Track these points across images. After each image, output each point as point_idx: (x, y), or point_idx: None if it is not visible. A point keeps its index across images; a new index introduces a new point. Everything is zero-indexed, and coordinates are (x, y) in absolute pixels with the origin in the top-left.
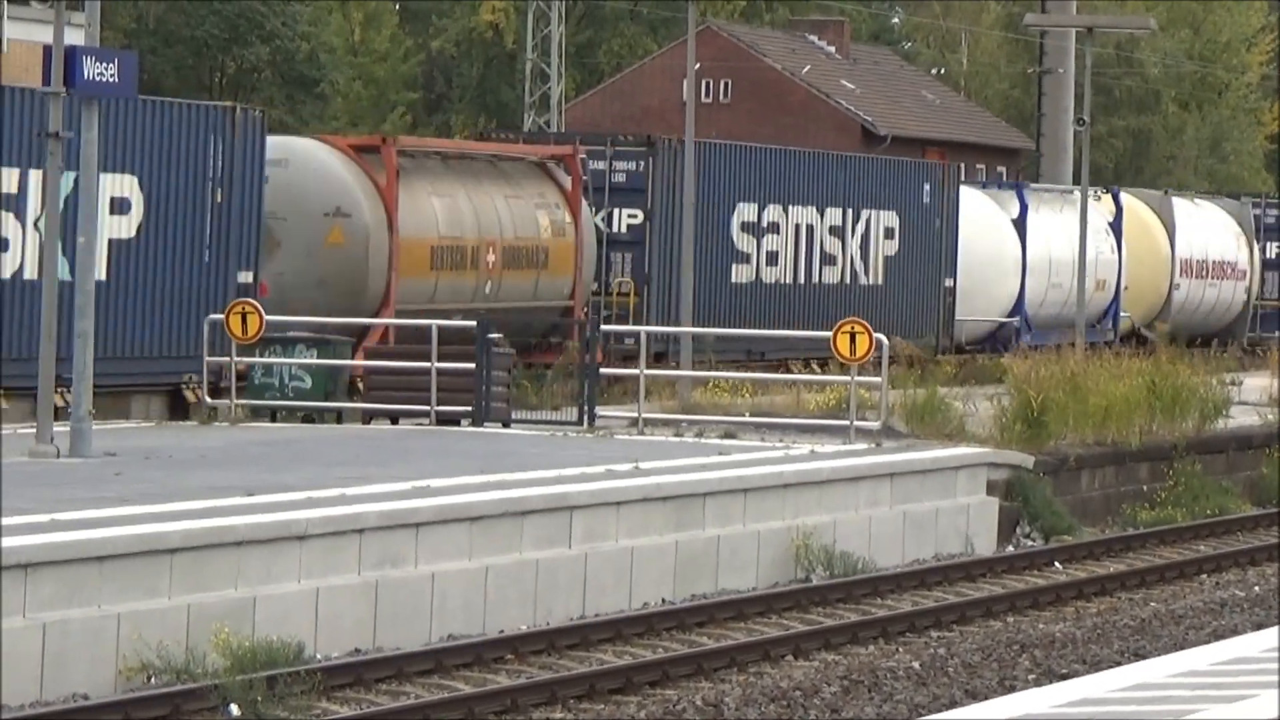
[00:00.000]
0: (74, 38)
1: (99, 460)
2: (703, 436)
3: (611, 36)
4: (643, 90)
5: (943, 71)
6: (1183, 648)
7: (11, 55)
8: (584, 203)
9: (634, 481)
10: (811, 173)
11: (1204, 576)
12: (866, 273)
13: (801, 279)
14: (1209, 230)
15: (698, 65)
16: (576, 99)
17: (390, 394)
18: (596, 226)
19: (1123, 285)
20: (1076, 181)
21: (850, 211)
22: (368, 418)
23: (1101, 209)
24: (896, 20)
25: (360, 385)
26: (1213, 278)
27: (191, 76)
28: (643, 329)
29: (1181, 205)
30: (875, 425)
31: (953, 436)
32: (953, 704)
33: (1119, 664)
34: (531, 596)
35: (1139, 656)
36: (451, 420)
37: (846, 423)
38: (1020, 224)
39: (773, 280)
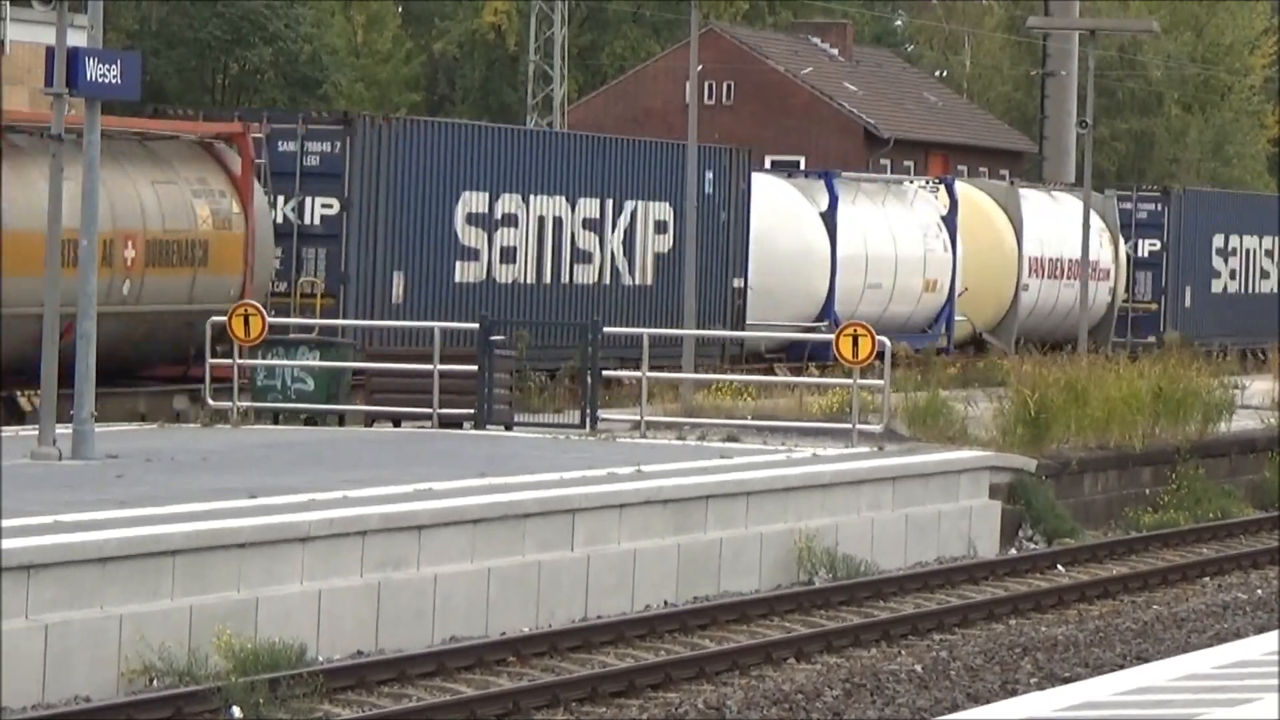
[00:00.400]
0: (77, 39)
1: (101, 462)
2: (705, 439)
3: (614, 39)
4: (645, 92)
5: (945, 74)
6: (1185, 651)
7: (14, 56)
8: (257, 189)
9: (636, 484)
10: (559, 158)
11: (1206, 579)
12: (631, 271)
13: (547, 279)
14: (1065, 225)
15: (700, 67)
16: (579, 101)
17: (393, 396)
18: (286, 218)
19: (958, 286)
20: (1079, 184)
21: (610, 202)
22: (370, 420)
23: (936, 202)
24: (899, 23)
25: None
26: (1069, 277)
27: (194, 78)
28: (645, 331)
29: (1033, 198)
30: (877, 428)
31: (955, 440)
32: (955, 707)
33: (1121, 667)
34: (534, 599)
35: (1141, 660)
36: (454, 423)
37: (849, 426)
38: (830, 217)
39: (509, 280)
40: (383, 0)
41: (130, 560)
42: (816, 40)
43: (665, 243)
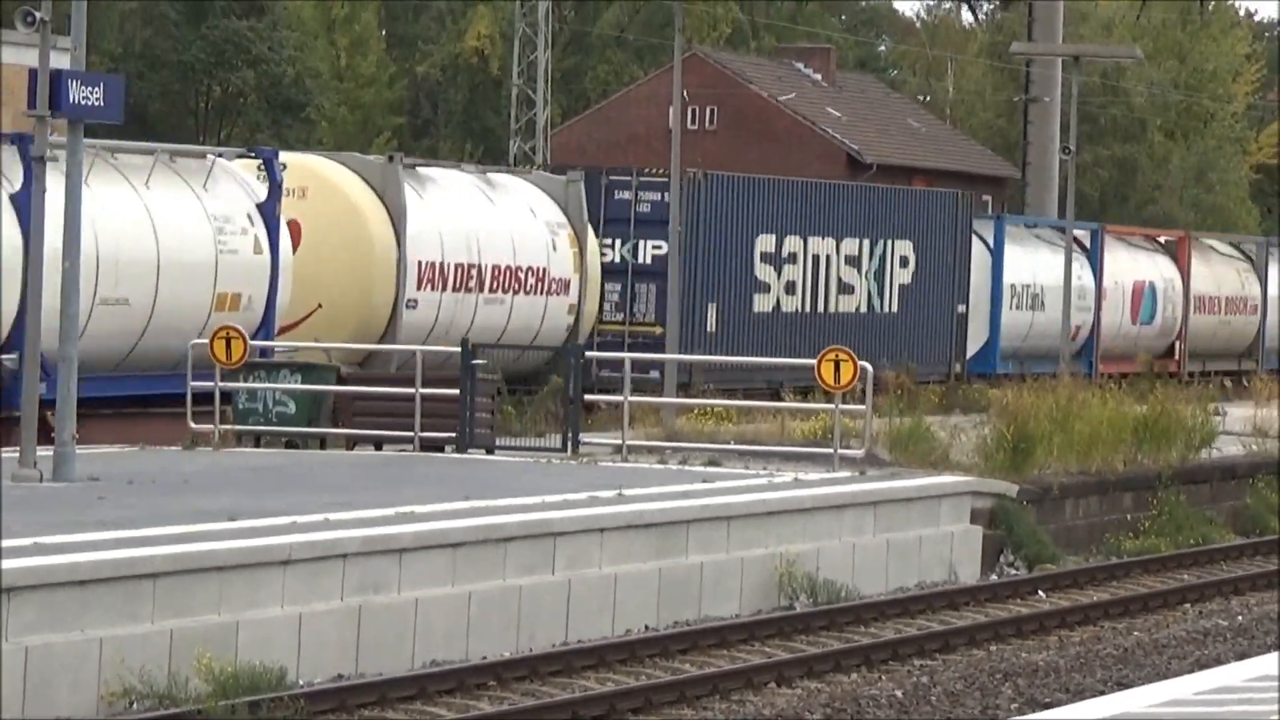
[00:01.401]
0: (60, 61)
1: (82, 485)
2: (687, 463)
3: (598, 63)
4: (629, 117)
5: (928, 99)
6: (1166, 677)
7: None
8: None
9: (618, 508)
10: None
11: (1187, 606)
12: None
13: None
14: (505, 221)
15: (684, 92)
16: (562, 125)
17: (374, 420)
18: None
19: (277, 301)
20: (1063, 212)
21: None
22: (352, 443)
23: (255, 183)
24: (882, 48)
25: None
26: (498, 290)
27: (178, 101)
28: (627, 355)
29: (444, 181)
30: (859, 453)
31: (937, 465)
32: None
33: (1102, 693)
34: (515, 623)
35: (1122, 686)
36: (436, 446)
37: (830, 450)
38: (21, 201)
39: None
40: (366, 22)
41: (111, 583)
42: (800, 65)
43: None
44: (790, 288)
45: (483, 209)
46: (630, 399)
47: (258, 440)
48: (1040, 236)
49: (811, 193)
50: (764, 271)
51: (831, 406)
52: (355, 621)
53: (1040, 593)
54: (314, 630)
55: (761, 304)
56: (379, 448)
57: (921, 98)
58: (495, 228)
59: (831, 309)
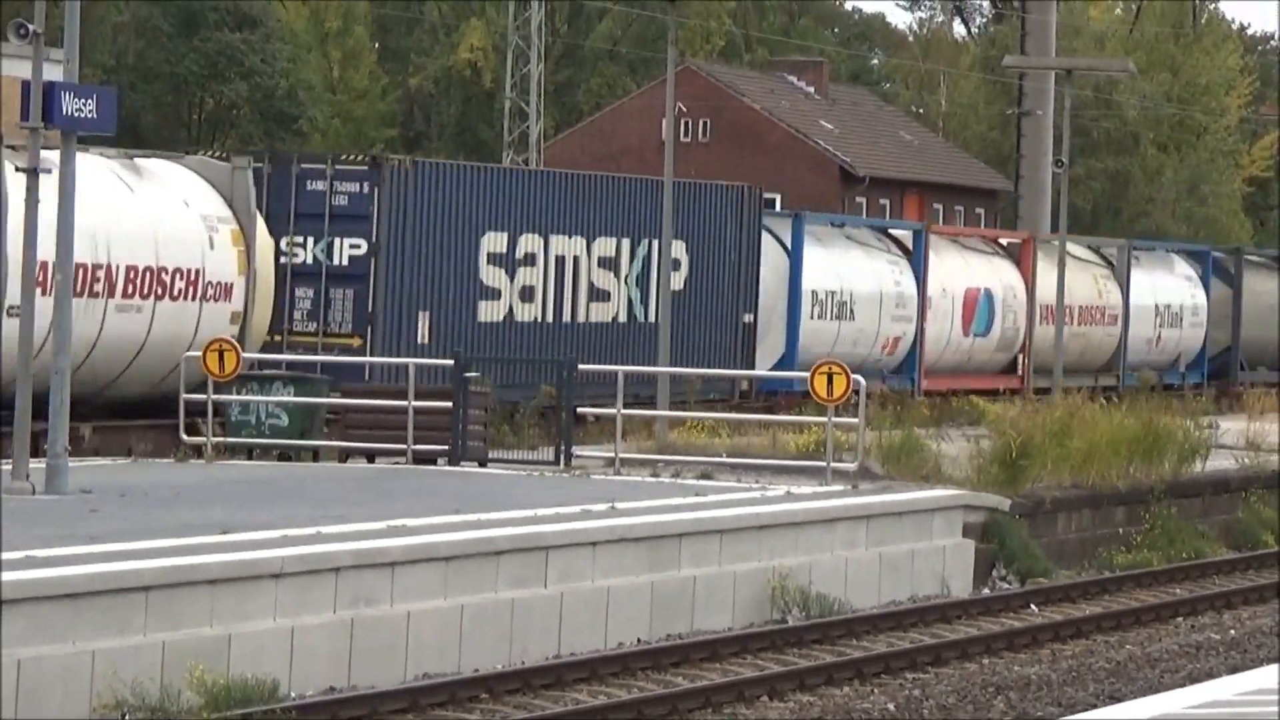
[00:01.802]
0: (53, 73)
1: (74, 497)
2: (679, 477)
3: (590, 76)
4: (621, 129)
5: (921, 112)
6: (1158, 691)
7: None
8: None
9: (610, 521)
10: None
11: (1180, 620)
12: None
13: None
14: (139, 213)
15: (678, 105)
16: (555, 138)
17: (367, 432)
18: None
19: None
20: (1055, 226)
21: None
22: (344, 456)
23: None
24: (875, 61)
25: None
26: (135, 294)
27: (170, 113)
28: (620, 369)
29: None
30: (852, 467)
31: (929, 478)
32: None
33: (1094, 707)
34: (507, 636)
35: (1114, 699)
36: (428, 459)
37: (823, 464)
38: None
39: None
40: (359, 35)
41: (103, 596)
42: (793, 78)
43: None
44: (527, 294)
45: (118, 199)
46: (623, 411)
47: (250, 453)
48: (852, 237)
49: (554, 184)
50: (492, 275)
51: (825, 420)
52: (347, 634)
53: (1032, 606)
54: (306, 643)
55: (489, 313)
56: (371, 460)
57: (915, 110)
58: (133, 221)
59: (581, 318)
